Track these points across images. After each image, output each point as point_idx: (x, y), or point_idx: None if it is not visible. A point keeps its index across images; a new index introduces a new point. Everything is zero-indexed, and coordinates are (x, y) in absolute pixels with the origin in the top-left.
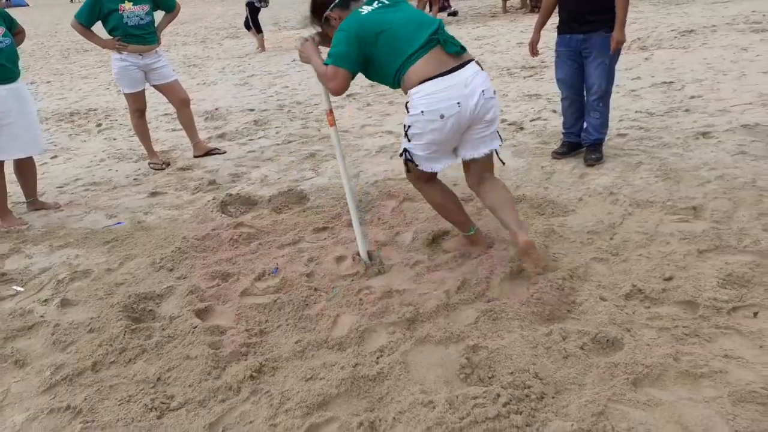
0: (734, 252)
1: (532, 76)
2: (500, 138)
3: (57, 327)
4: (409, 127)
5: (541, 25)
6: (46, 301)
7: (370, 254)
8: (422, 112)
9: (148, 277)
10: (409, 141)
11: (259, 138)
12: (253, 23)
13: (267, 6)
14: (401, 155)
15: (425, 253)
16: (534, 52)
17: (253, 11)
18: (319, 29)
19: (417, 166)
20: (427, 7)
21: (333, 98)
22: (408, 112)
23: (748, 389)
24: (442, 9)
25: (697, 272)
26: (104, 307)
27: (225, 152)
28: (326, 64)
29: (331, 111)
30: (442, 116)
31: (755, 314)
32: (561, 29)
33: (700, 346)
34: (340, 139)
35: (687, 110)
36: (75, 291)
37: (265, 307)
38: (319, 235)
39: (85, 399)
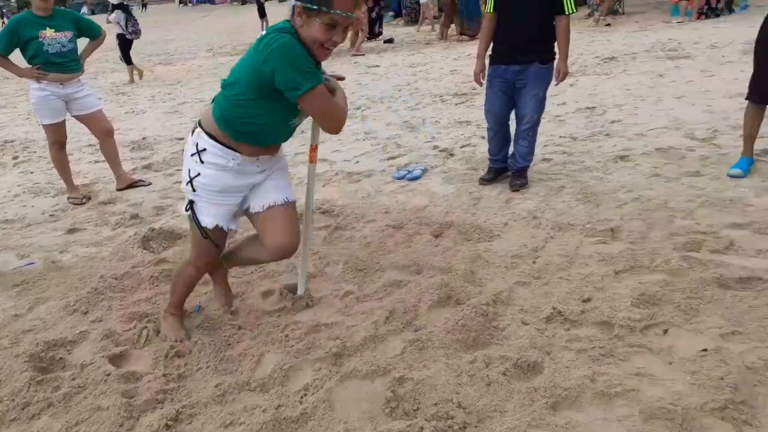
0: (647, 272)
1: (463, 102)
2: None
3: None
4: None
5: (484, 53)
6: None
7: (298, 287)
8: None
9: (60, 322)
10: None
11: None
12: (123, 55)
13: (138, 38)
14: None
15: (355, 283)
16: (480, 81)
17: (123, 43)
18: None
19: None
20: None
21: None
22: None
23: (658, 405)
24: (373, 36)
25: (613, 293)
26: (8, 358)
27: (150, 184)
28: None
29: (315, 147)
30: None
31: (665, 332)
32: (497, 59)
33: (615, 366)
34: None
35: (608, 134)
36: None
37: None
38: (245, 269)
39: None
